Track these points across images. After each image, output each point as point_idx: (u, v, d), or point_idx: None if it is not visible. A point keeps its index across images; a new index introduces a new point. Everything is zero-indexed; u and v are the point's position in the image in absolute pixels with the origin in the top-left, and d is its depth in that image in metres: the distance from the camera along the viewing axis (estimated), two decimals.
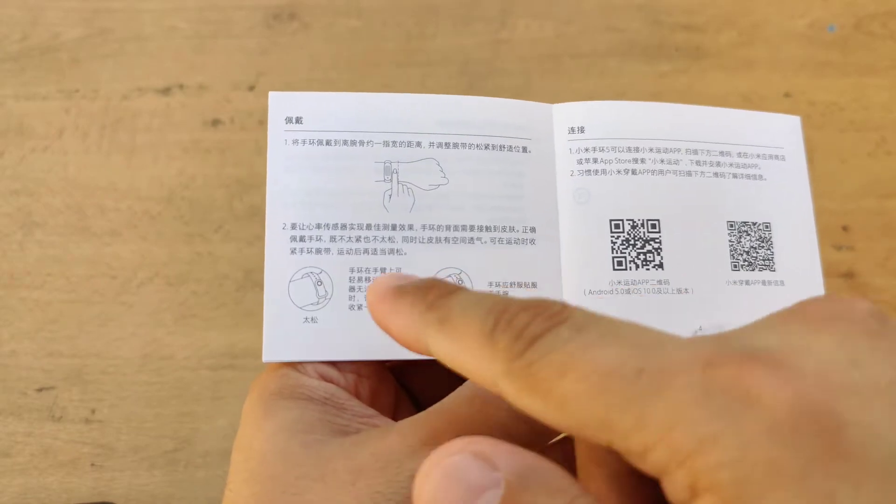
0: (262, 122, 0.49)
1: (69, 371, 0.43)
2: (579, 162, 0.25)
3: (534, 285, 0.24)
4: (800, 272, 0.25)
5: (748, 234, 0.25)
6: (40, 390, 0.43)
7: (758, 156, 0.26)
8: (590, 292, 0.24)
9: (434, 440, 0.18)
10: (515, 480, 0.13)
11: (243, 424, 0.21)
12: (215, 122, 0.49)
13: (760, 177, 0.26)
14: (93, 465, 0.42)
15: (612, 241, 0.25)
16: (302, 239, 0.24)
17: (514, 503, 0.13)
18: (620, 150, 0.25)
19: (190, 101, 0.49)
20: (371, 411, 0.22)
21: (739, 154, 0.26)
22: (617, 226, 0.25)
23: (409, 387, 0.26)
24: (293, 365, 0.22)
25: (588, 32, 0.51)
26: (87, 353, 0.44)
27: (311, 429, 0.20)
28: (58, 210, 0.47)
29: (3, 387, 0.43)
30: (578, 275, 0.24)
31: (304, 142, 0.24)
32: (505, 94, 0.49)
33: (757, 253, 0.25)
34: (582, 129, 0.25)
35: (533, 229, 0.25)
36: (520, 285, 0.24)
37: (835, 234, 0.46)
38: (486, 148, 0.25)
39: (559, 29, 0.51)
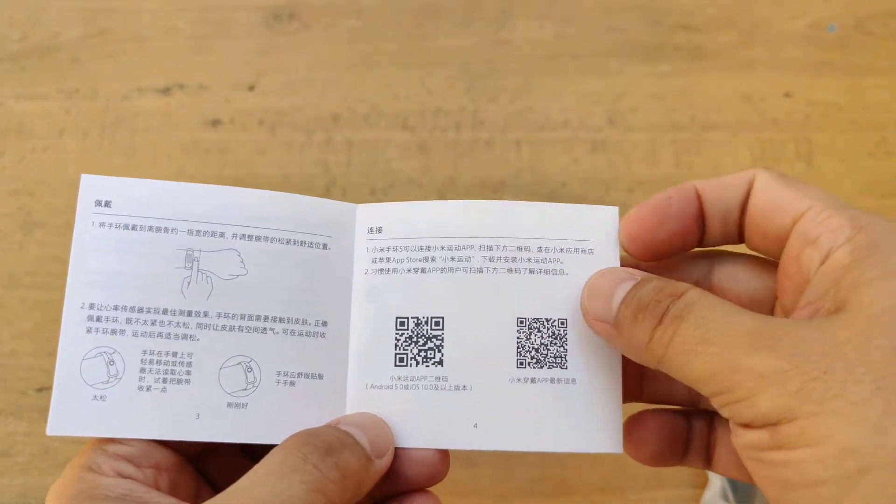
0: (263, 123, 0.49)
1: None
2: (374, 261, 0.26)
3: (320, 377, 0.25)
4: (595, 370, 0.25)
5: (539, 331, 0.25)
6: (40, 390, 0.43)
7: (561, 250, 0.26)
8: (371, 386, 0.25)
9: None
10: None
11: None
12: (215, 123, 0.49)
13: (561, 272, 0.25)
14: None
15: (396, 339, 0.25)
16: (98, 319, 0.24)
17: None
18: (412, 249, 0.26)
19: (190, 101, 0.49)
20: (171, 500, 0.22)
21: (540, 249, 0.26)
22: (402, 323, 0.25)
23: (208, 476, 0.26)
24: (89, 467, 0.23)
25: (588, 33, 0.51)
26: None
27: None
28: (58, 210, 0.47)
29: (3, 387, 0.43)
30: (362, 370, 0.25)
31: (110, 225, 0.25)
32: (505, 95, 0.49)
33: (548, 350, 0.25)
34: (380, 230, 0.26)
35: (325, 323, 0.25)
36: (307, 376, 0.25)
37: None
38: (287, 243, 0.25)
39: (559, 29, 0.51)
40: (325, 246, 0.26)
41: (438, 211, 0.26)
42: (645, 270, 0.25)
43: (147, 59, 0.50)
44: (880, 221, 0.21)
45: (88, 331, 0.24)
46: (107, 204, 0.25)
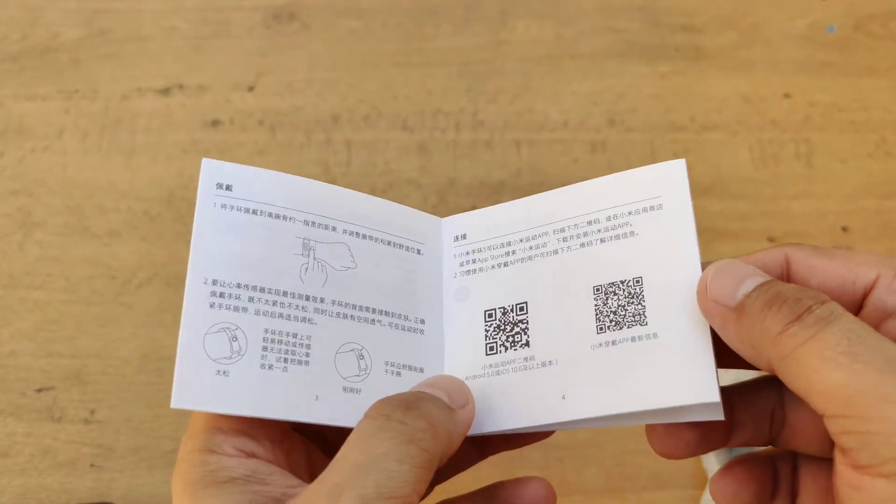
0: (262, 123, 0.49)
1: (69, 371, 0.43)
2: (461, 265, 0.28)
3: (421, 370, 0.27)
4: (678, 321, 0.24)
5: (616, 294, 0.25)
6: (40, 390, 0.43)
7: (629, 213, 0.26)
8: (467, 378, 0.26)
9: (336, 495, 0.19)
10: None
11: None
12: (215, 123, 0.49)
13: (632, 234, 0.25)
14: (92, 465, 0.42)
15: (485, 330, 0.27)
16: (221, 295, 0.25)
17: None
18: (494, 247, 0.28)
19: (189, 101, 0.49)
20: (295, 481, 0.22)
21: (609, 218, 0.26)
22: (490, 315, 0.27)
23: (307, 432, 0.27)
24: (210, 449, 0.22)
25: (588, 33, 0.51)
26: (86, 353, 0.44)
27: None
28: (57, 210, 0.47)
29: (3, 387, 0.43)
30: (457, 363, 0.27)
31: (232, 207, 0.26)
32: (505, 96, 0.49)
33: (625, 311, 0.25)
34: (465, 237, 0.28)
35: (422, 321, 0.27)
36: (410, 368, 0.27)
37: (835, 234, 0.46)
38: (388, 244, 0.28)
39: (559, 30, 0.51)
40: (419, 251, 0.28)
41: (515, 208, 0.28)
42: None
43: (147, 60, 0.51)
44: None
45: (211, 306, 0.24)
46: (228, 188, 0.26)
